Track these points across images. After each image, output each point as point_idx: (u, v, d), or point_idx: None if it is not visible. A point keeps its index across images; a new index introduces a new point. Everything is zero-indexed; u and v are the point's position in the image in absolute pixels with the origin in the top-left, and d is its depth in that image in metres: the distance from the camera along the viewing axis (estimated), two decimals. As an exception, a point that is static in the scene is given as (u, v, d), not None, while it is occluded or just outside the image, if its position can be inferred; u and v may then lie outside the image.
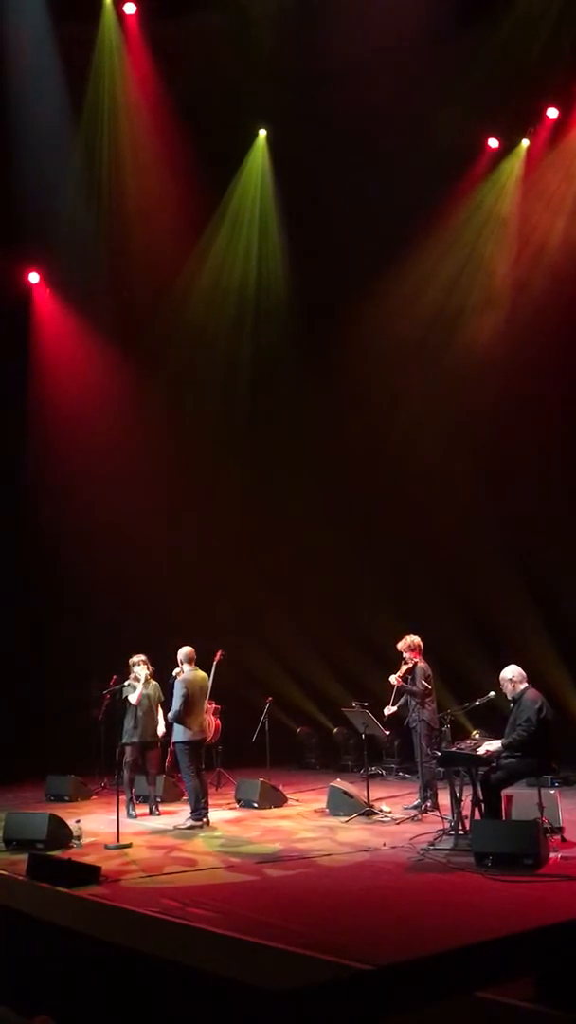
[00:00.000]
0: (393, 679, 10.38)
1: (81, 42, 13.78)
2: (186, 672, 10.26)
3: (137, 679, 10.75)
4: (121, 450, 15.32)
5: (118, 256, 15.15)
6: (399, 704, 10.58)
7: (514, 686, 8.46)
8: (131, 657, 11.02)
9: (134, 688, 10.66)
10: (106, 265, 15.30)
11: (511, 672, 8.52)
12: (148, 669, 10.90)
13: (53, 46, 13.44)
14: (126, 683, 10.78)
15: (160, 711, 10.88)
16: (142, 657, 10.99)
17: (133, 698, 10.61)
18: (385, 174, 13.78)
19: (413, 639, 10.55)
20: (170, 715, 10.17)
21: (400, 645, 10.58)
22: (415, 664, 10.39)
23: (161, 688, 10.93)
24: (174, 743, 10.44)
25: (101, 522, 14.84)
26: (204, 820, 9.97)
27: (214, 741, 11.99)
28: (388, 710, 10.54)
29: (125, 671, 11.05)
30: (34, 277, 15.91)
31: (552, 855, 7.54)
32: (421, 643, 10.55)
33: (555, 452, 13.96)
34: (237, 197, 15.77)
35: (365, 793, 10.36)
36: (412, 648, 10.48)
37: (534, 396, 14.10)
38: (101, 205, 14.92)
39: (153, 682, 10.91)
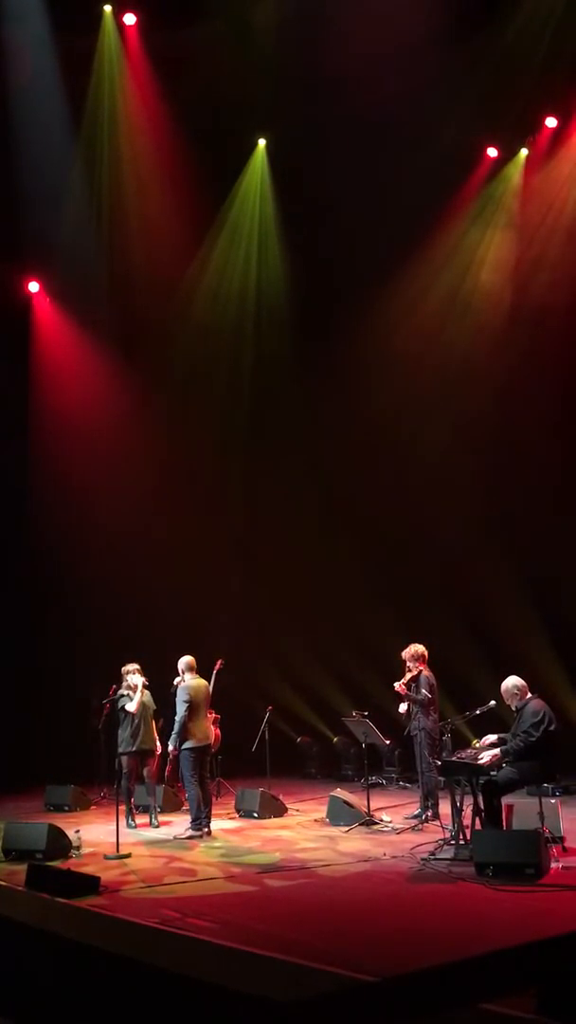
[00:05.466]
0: (397, 686, 10.34)
1: (81, 53, 13.84)
2: (188, 680, 10.24)
3: (132, 688, 10.67)
4: (122, 457, 15.32)
5: (118, 265, 15.18)
6: (406, 709, 10.52)
7: (518, 698, 8.42)
8: (124, 666, 10.94)
9: (130, 697, 10.56)
10: (106, 274, 15.34)
11: (512, 684, 8.49)
12: (142, 677, 10.83)
13: (53, 57, 13.50)
14: (121, 692, 10.72)
15: (153, 721, 10.81)
16: (136, 666, 10.86)
17: (131, 707, 10.49)
18: (384, 183, 13.81)
19: (417, 648, 10.47)
20: (176, 722, 10.12)
21: (404, 654, 10.50)
22: (419, 673, 10.33)
23: (154, 698, 10.85)
24: (177, 750, 10.30)
25: (102, 530, 14.83)
26: (204, 830, 9.92)
27: (214, 751, 11.93)
28: (402, 707, 10.46)
29: (118, 680, 10.98)
30: (34, 286, 15.95)
31: (553, 865, 7.50)
32: (426, 652, 10.48)
33: (558, 457, 13.94)
34: (237, 206, 15.83)
35: (366, 803, 10.32)
36: (416, 657, 10.40)
37: (535, 402, 14.10)
38: (101, 214, 14.98)
39: (147, 691, 10.82)
